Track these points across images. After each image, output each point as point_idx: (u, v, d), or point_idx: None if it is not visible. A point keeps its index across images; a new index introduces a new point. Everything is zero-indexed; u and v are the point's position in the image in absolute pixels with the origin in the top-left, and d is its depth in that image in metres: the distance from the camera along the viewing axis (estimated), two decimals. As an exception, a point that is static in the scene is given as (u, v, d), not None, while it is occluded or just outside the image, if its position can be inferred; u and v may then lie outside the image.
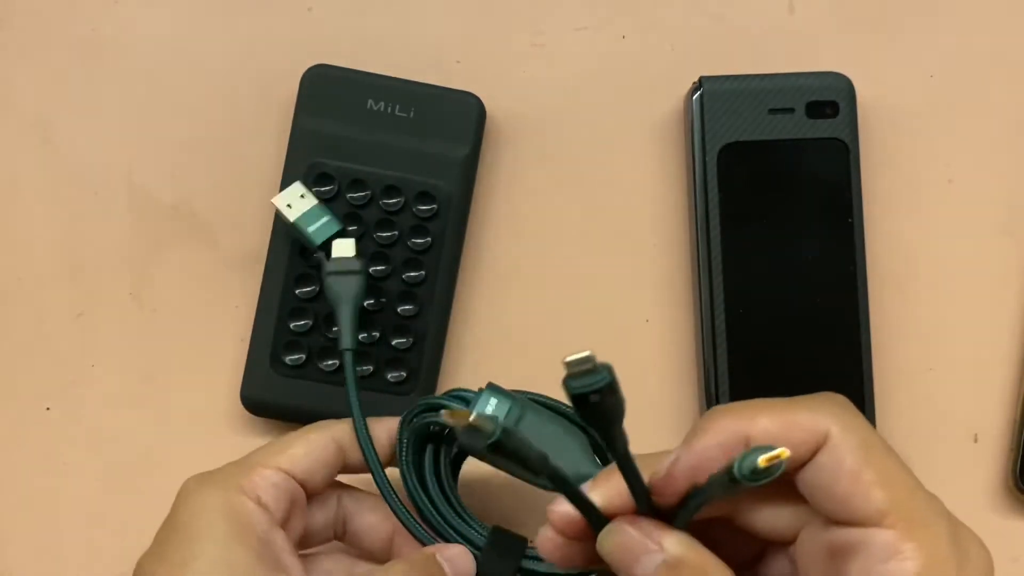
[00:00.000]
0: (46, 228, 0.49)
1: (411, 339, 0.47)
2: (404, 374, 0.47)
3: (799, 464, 0.31)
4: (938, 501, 0.31)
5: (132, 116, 0.50)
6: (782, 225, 0.47)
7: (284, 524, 0.40)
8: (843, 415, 0.31)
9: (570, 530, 0.33)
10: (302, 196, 0.46)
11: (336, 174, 0.47)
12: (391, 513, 0.41)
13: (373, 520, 0.43)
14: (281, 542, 0.39)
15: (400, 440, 0.42)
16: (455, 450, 0.43)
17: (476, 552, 0.41)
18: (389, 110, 0.47)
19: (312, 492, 0.41)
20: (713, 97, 0.47)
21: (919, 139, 0.49)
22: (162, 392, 0.49)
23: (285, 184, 0.47)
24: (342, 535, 0.43)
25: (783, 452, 0.28)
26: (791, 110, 0.47)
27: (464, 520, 0.41)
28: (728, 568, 0.31)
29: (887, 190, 0.49)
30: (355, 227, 0.47)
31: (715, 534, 0.32)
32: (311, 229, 0.46)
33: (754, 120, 0.47)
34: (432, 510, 0.41)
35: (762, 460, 0.28)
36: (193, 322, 0.49)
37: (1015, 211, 0.50)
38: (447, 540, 0.41)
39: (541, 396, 0.43)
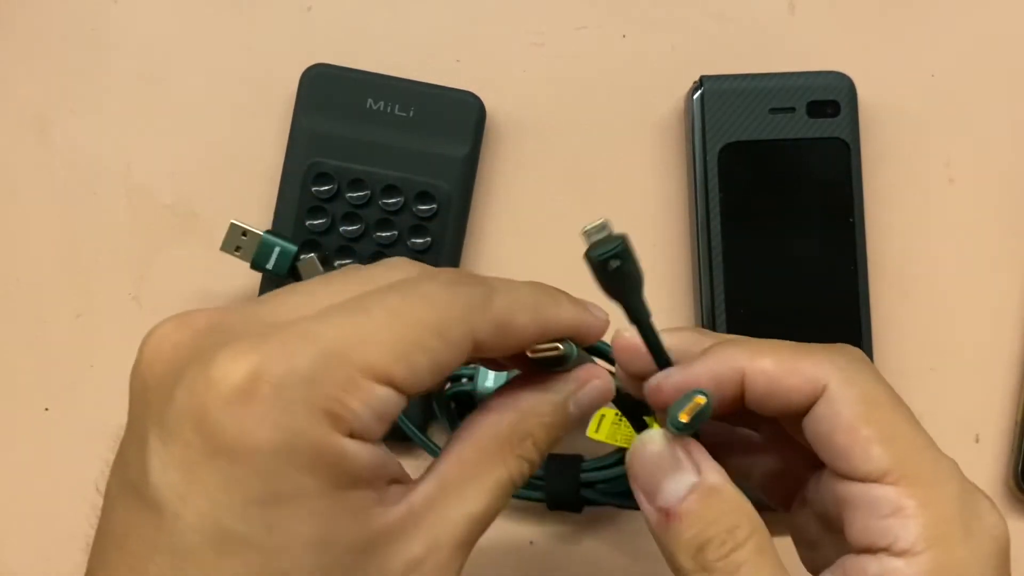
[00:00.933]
0: (45, 228, 0.49)
1: (411, 339, 0.47)
2: (404, 374, 0.47)
3: (798, 412, 0.30)
4: (950, 462, 0.30)
5: (131, 116, 0.49)
6: (783, 225, 0.47)
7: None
8: (848, 368, 0.30)
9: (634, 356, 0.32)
10: (244, 235, 0.46)
11: (336, 173, 0.47)
12: None
13: None
14: (378, 461, 0.26)
15: (439, 411, 0.46)
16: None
17: (539, 482, 0.45)
18: (389, 109, 0.47)
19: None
20: (714, 96, 0.47)
21: (920, 139, 0.49)
22: (162, 392, 0.49)
23: (285, 183, 0.47)
24: None
25: (699, 399, 0.29)
26: (792, 109, 0.47)
27: None
28: (756, 514, 0.30)
29: (888, 190, 0.49)
30: (356, 227, 0.47)
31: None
32: (271, 266, 0.45)
33: (755, 119, 0.47)
34: None
35: (682, 415, 0.29)
36: (193, 322, 0.49)
37: (1016, 211, 0.49)
38: None
39: None
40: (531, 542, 0.48)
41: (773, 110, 0.47)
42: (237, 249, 0.45)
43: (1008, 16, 0.50)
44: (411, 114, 0.47)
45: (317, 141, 0.47)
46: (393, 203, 0.47)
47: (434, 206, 0.47)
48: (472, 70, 0.49)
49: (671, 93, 0.49)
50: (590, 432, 0.44)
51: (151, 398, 0.27)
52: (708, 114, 0.47)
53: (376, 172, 0.47)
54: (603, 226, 0.29)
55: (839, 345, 0.32)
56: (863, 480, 0.29)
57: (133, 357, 0.49)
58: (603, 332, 0.32)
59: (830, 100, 0.47)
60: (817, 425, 0.30)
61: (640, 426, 0.35)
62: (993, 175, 0.50)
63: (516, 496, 0.44)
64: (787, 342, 0.32)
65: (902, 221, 0.49)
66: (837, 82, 0.48)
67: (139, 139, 0.49)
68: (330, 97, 0.47)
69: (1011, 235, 0.49)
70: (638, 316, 0.31)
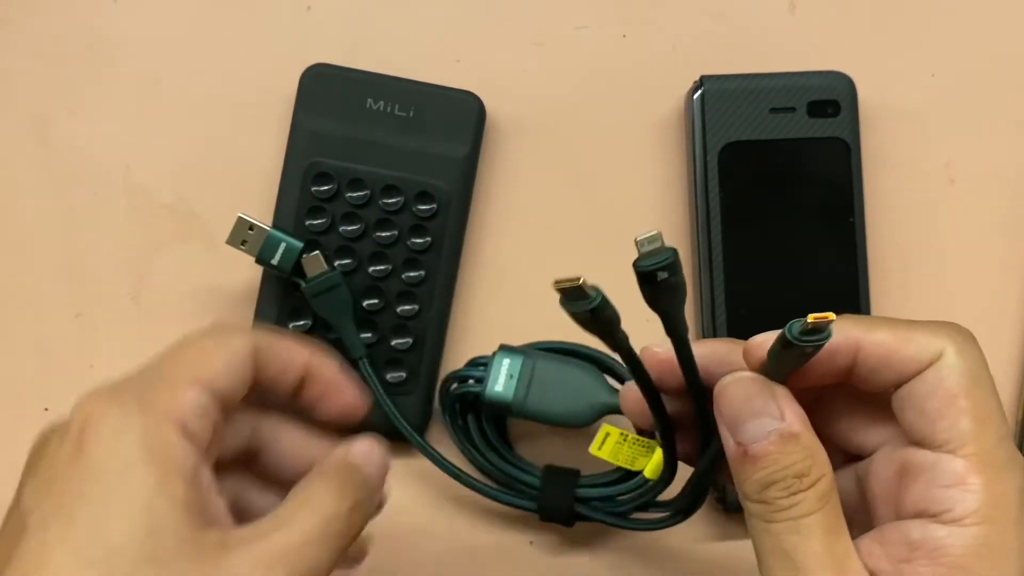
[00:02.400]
0: (45, 228, 0.49)
1: (411, 339, 0.47)
2: (404, 374, 0.47)
3: (905, 378, 0.31)
4: (1020, 456, 0.31)
5: (131, 116, 0.49)
6: (783, 225, 0.47)
7: (207, 456, 0.33)
8: (963, 343, 0.31)
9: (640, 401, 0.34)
10: (251, 229, 0.45)
11: (335, 173, 0.47)
12: (310, 442, 0.37)
13: (290, 449, 0.37)
14: (208, 481, 0.32)
15: (443, 411, 0.46)
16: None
17: (534, 491, 0.45)
18: (388, 109, 0.47)
19: (227, 413, 0.34)
20: (714, 96, 0.47)
21: (920, 138, 0.49)
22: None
23: (285, 183, 0.47)
24: (251, 463, 0.37)
25: (830, 314, 0.29)
26: (792, 109, 0.47)
27: (516, 466, 0.46)
28: (828, 464, 0.31)
29: (888, 190, 0.49)
30: (355, 227, 0.47)
31: None
32: (275, 262, 0.45)
33: (755, 119, 0.47)
34: (486, 462, 0.46)
35: (810, 317, 0.29)
36: (192, 322, 0.48)
37: (1016, 211, 0.49)
38: (506, 486, 0.46)
39: (547, 342, 0.46)
40: (531, 542, 0.48)
41: (773, 110, 0.47)
42: (243, 243, 0.45)
43: (1008, 16, 0.50)
44: (411, 114, 0.47)
45: (317, 141, 0.47)
46: (393, 203, 0.47)
47: (434, 206, 0.47)
48: (472, 70, 0.49)
49: (671, 93, 0.49)
50: (592, 449, 0.44)
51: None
52: (708, 114, 0.47)
53: (376, 172, 0.47)
54: (655, 237, 0.30)
55: (951, 323, 0.32)
56: (939, 448, 0.30)
57: (133, 357, 0.49)
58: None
59: (830, 100, 0.47)
60: (918, 385, 0.31)
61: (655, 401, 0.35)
62: (993, 175, 0.50)
63: (509, 503, 0.46)
64: (894, 318, 0.32)
65: (902, 221, 0.49)
66: (837, 82, 0.47)
67: (139, 139, 0.49)
68: (330, 97, 0.47)
69: (1011, 235, 0.49)
70: (677, 330, 0.32)
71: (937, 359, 0.31)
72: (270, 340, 0.35)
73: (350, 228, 0.47)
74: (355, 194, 0.47)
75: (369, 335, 0.47)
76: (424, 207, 0.47)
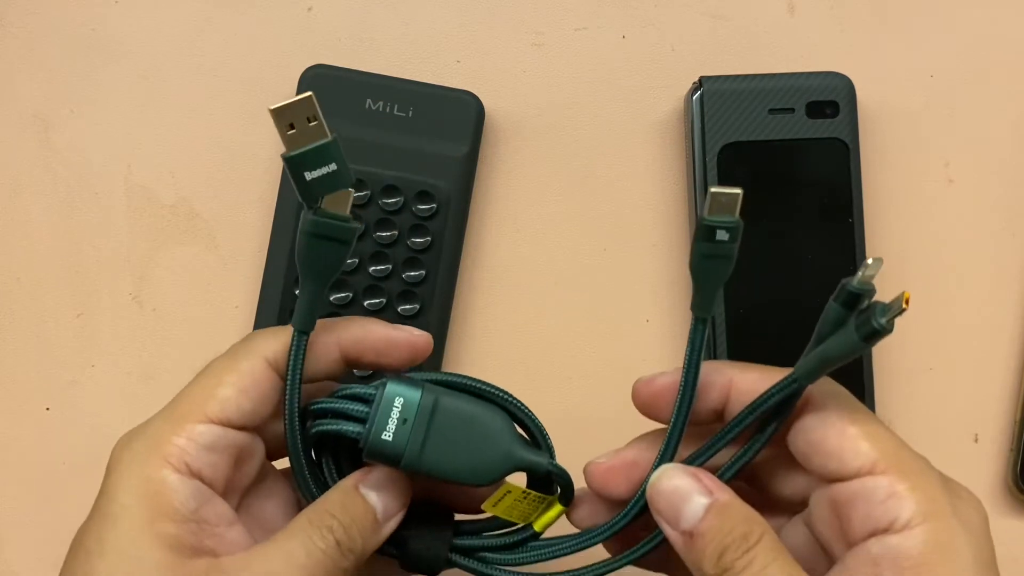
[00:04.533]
0: (46, 228, 0.49)
1: (411, 339, 0.47)
2: (404, 374, 0.47)
3: (788, 420, 0.34)
4: (924, 458, 0.33)
5: (131, 116, 0.50)
6: (782, 225, 0.47)
7: (229, 482, 0.34)
8: (822, 382, 0.34)
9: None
10: (311, 120, 0.32)
11: (336, 174, 0.47)
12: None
13: None
14: (217, 515, 0.33)
15: (293, 453, 0.35)
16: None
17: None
18: (388, 110, 0.47)
19: (261, 425, 0.35)
20: (713, 97, 0.47)
21: (919, 139, 0.49)
22: (162, 392, 0.49)
23: (285, 184, 0.47)
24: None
25: (905, 294, 0.31)
26: (791, 110, 0.47)
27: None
28: (765, 521, 0.33)
29: (887, 190, 0.49)
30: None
31: None
32: (310, 176, 0.32)
33: (754, 120, 0.47)
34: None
35: (903, 302, 0.32)
36: (193, 322, 0.49)
37: (1015, 211, 0.50)
38: None
39: (445, 375, 0.36)
40: None
41: (772, 110, 0.47)
42: (290, 127, 0.32)
43: (1007, 16, 0.50)
44: (410, 114, 0.47)
45: (317, 141, 0.47)
46: (393, 203, 0.47)
47: (434, 205, 0.47)
48: (472, 70, 0.49)
49: (671, 93, 0.49)
50: (487, 505, 0.37)
51: None
52: (708, 114, 0.47)
53: (376, 172, 0.47)
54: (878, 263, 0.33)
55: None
56: (856, 475, 0.32)
57: (133, 356, 0.50)
58: (418, 347, 0.36)
59: (829, 100, 0.47)
60: (808, 434, 0.33)
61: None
62: (992, 175, 0.50)
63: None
64: (763, 364, 0.36)
65: (902, 221, 0.49)
66: (836, 82, 0.48)
67: (139, 139, 0.50)
68: (329, 98, 0.47)
69: (1010, 235, 0.49)
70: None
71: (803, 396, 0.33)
72: (283, 345, 0.34)
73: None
74: (355, 194, 0.47)
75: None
76: (424, 207, 0.47)
